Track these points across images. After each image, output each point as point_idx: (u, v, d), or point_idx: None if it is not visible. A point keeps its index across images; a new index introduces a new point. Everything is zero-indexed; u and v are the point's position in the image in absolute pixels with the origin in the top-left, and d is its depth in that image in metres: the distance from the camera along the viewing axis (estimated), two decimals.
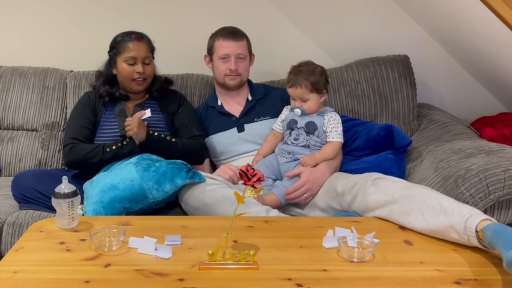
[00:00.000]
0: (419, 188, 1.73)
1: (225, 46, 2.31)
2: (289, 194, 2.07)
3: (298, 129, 2.17)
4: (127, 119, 2.10)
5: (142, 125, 2.08)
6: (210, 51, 2.38)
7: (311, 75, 2.14)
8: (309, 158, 2.13)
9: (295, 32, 2.81)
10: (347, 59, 2.73)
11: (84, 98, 2.33)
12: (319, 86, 2.15)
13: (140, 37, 2.24)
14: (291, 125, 2.20)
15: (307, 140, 2.16)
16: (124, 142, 2.10)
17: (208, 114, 2.42)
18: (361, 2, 2.79)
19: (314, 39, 2.82)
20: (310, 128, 2.16)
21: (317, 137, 2.16)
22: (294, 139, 2.18)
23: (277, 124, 2.30)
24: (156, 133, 2.13)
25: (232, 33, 2.33)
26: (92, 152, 2.10)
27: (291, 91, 2.17)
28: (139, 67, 2.21)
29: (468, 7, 2.20)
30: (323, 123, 2.16)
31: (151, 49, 2.29)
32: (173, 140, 2.16)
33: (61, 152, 2.49)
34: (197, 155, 2.20)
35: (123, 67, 2.22)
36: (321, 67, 2.21)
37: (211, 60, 2.39)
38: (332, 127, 2.16)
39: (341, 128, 2.18)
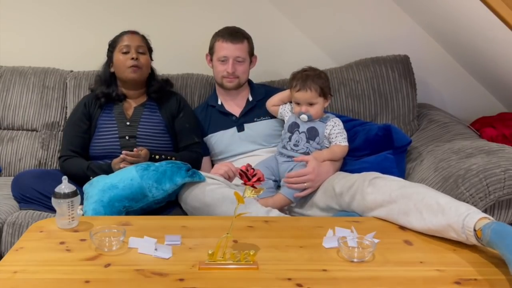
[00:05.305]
0: (416, 187, 1.72)
1: (224, 48, 2.30)
2: (291, 177, 2.05)
3: (300, 133, 2.16)
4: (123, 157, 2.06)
5: (145, 157, 2.09)
6: (211, 51, 2.38)
7: (319, 79, 2.15)
8: (317, 152, 2.12)
9: (295, 32, 2.81)
10: (347, 59, 2.73)
11: (79, 105, 2.33)
12: (326, 90, 2.16)
13: (134, 31, 2.29)
14: (292, 129, 2.18)
15: (307, 147, 2.15)
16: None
17: (208, 113, 2.42)
18: (361, 2, 2.79)
19: (314, 39, 2.83)
20: (312, 134, 2.15)
21: (318, 143, 2.15)
22: (294, 145, 2.16)
23: (285, 109, 2.28)
24: (157, 156, 2.14)
25: (232, 34, 2.31)
26: (79, 174, 2.12)
27: (299, 95, 2.14)
28: (132, 53, 2.23)
29: (468, 7, 2.20)
30: (326, 129, 2.15)
31: (147, 44, 2.32)
32: (173, 159, 2.15)
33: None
34: (194, 166, 2.17)
35: (118, 58, 2.26)
36: (324, 72, 2.22)
37: (211, 59, 2.39)
38: (338, 132, 2.16)
39: (346, 134, 2.19)
